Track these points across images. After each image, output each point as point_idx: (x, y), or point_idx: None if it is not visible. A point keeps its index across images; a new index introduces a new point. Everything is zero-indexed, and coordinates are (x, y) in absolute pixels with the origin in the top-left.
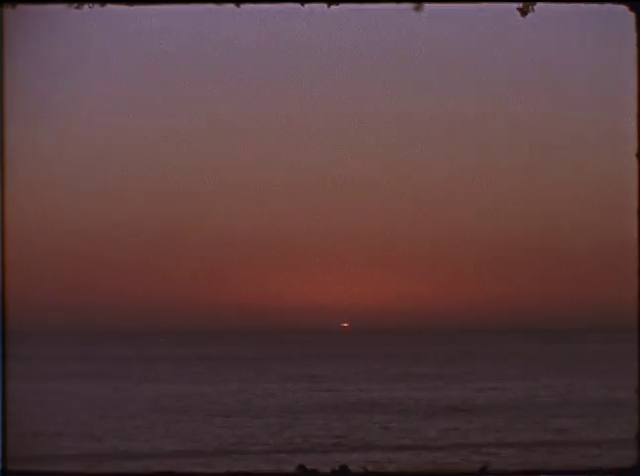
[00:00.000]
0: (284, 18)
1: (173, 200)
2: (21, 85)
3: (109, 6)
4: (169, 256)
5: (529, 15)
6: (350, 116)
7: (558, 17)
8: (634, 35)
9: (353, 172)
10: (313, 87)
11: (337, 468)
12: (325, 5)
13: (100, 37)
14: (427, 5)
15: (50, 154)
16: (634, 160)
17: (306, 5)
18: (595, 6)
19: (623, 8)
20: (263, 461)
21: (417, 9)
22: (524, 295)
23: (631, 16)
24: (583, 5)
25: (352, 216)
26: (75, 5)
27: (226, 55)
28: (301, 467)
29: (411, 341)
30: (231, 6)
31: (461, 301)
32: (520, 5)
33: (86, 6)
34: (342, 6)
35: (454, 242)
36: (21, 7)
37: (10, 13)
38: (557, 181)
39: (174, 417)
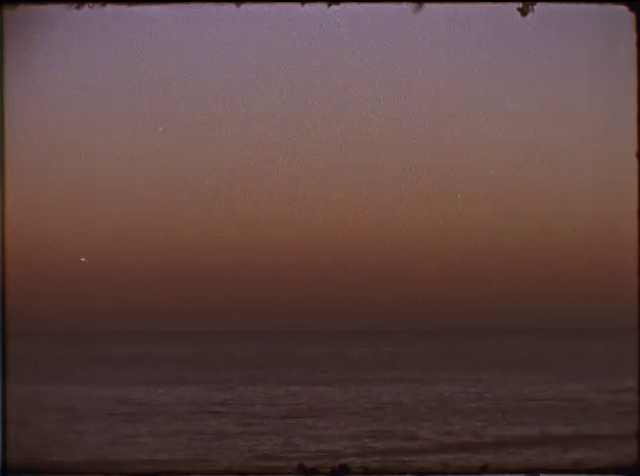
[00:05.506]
0: (284, 18)
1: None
2: (21, 85)
3: (109, 6)
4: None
5: (529, 15)
6: (350, 116)
7: (558, 17)
8: (634, 35)
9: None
10: (314, 87)
11: (337, 467)
12: (325, 5)
13: (101, 37)
14: (427, 5)
15: (49, 154)
16: (634, 159)
17: (306, 5)
18: (595, 6)
19: (623, 8)
20: None
21: (417, 9)
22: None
23: (631, 16)
24: (583, 5)
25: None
26: (75, 5)
27: (225, 55)
28: (301, 466)
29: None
30: (231, 6)
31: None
32: (520, 5)
33: (86, 6)
34: (342, 6)
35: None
36: (21, 7)
37: (10, 13)
38: (555, 181)
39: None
